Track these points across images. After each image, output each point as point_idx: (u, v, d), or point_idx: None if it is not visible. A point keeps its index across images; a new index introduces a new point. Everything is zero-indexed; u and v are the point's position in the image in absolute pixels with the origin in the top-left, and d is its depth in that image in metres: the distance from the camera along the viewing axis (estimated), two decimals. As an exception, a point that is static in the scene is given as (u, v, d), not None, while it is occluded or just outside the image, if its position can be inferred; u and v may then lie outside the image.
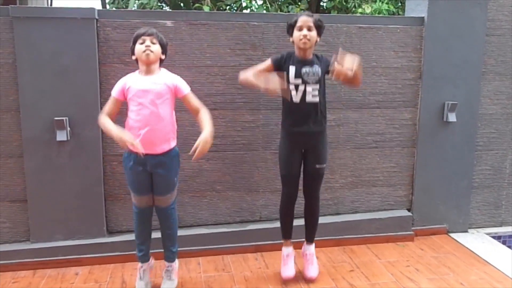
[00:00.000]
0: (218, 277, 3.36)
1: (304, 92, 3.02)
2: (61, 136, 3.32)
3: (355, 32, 3.72)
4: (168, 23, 3.45)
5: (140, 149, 2.74)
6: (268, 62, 3.09)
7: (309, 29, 2.97)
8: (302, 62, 3.04)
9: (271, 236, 3.74)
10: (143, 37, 2.83)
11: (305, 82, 3.02)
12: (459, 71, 3.88)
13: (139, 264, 3.15)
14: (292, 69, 3.02)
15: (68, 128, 3.33)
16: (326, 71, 3.07)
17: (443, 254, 3.77)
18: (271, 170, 3.75)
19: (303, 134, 3.11)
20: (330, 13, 7.27)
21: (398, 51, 3.81)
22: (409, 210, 4.06)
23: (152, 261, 3.24)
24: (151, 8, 7.22)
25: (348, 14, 6.79)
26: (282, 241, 3.39)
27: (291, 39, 3.07)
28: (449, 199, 4.07)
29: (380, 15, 6.33)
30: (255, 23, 3.57)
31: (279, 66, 3.06)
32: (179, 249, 3.25)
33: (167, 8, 8.90)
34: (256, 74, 3.01)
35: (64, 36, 3.27)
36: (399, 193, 4.04)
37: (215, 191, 3.73)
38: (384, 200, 4.03)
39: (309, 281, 3.29)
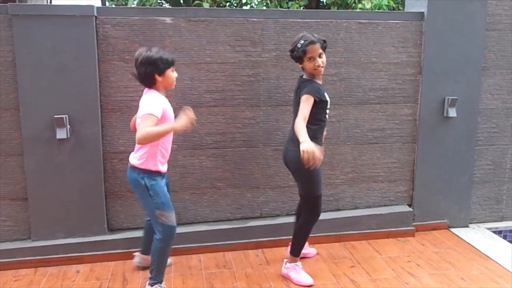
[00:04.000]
0: (219, 274, 3.36)
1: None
2: (61, 134, 3.32)
3: (355, 28, 3.71)
4: (168, 20, 3.44)
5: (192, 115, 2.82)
6: (311, 100, 2.92)
7: (320, 56, 2.98)
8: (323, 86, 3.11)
9: (272, 233, 3.74)
10: (173, 67, 2.87)
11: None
12: (459, 66, 3.87)
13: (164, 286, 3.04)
14: (326, 95, 3.06)
15: (68, 126, 3.33)
16: None
17: (444, 249, 3.77)
18: (271, 167, 3.75)
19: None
20: (330, 8, 7.25)
21: (398, 46, 3.81)
22: (410, 205, 4.06)
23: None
24: (150, 5, 7.20)
25: (348, 10, 6.77)
26: (292, 259, 3.29)
27: (300, 66, 3.07)
28: (450, 194, 4.07)
29: (380, 10, 6.32)
30: (255, 19, 3.56)
31: (320, 97, 2.98)
32: (179, 246, 3.28)
33: (166, 5, 8.88)
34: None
35: (63, 34, 3.26)
36: (400, 188, 4.04)
37: (215, 188, 3.73)
38: (384, 195, 4.02)
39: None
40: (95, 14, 3.31)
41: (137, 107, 3.47)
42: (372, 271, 3.41)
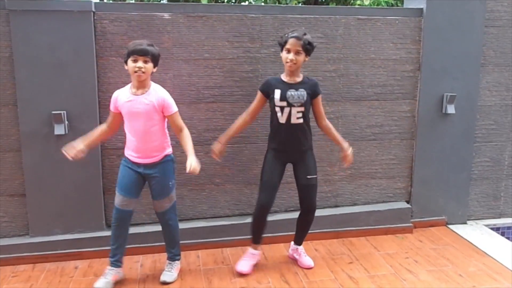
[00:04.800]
0: (217, 270, 3.36)
1: (289, 114, 3.09)
2: (59, 130, 3.31)
3: (354, 24, 3.70)
4: (166, 15, 3.43)
5: (68, 155, 2.96)
6: (258, 95, 3.18)
7: (297, 53, 3.00)
8: (288, 85, 3.10)
9: (270, 229, 3.72)
10: (136, 56, 2.86)
11: (290, 105, 3.08)
12: (458, 62, 3.87)
13: (108, 267, 3.14)
14: (277, 92, 3.09)
15: (66, 122, 3.32)
16: (312, 95, 3.13)
17: (442, 245, 3.77)
18: (270, 163, 3.75)
19: (288, 151, 3.21)
20: (328, 4, 7.24)
21: (397, 42, 3.80)
22: (408, 202, 4.07)
23: (121, 271, 3.21)
24: (148, 1, 7.17)
25: (347, 6, 6.76)
26: (251, 244, 3.40)
27: (281, 54, 3.11)
28: (448, 191, 4.07)
29: (379, 6, 6.31)
30: (253, 15, 3.55)
31: (267, 93, 3.14)
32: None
33: (165, 1, 8.85)
34: (247, 119, 3.28)
35: (61, 29, 3.25)
36: (398, 185, 4.04)
37: (214, 184, 3.73)
38: (383, 192, 4.03)
39: (308, 268, 3.35)
40: (93, 9, 3.30)
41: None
42: (370, 267, 3.41)
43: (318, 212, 3.78)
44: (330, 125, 3.30)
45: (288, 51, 3.01)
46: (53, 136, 3.33)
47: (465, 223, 4.17)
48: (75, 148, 2.95)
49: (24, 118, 3.31)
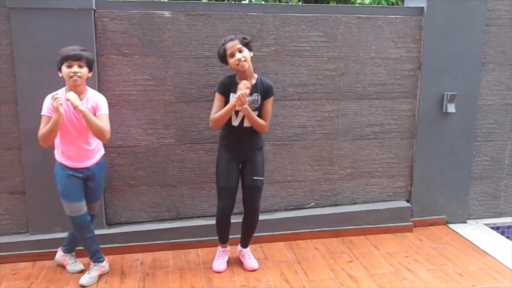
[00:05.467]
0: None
1: (243, 117, 3.09)
2: (60, 128, 3.31)
3: (354, 23, 3.70)
4: (166, 13, 3.42)
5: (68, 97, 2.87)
6: (218, 97, 3.12)
7: (240, 51, 2.99)
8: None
9: (270, 228, 3.75)
10: (70, 61, 2.85)
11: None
12: (459, 61, 3.87)
13: (92, 263, 3.24)
14: (232, 97, 3.06)
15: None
16: (264, 97, 3.12)
17: (442, 245, 3.77)
18: (270, 162, 3.75)
19: (239, 152, 3.20)
20: (329, 3, 7.24)
21: (398, 41, 3.80)
22: (408, 201, 4.07)
23: (106, 264, 3.28)
24: (149, -1, 7.16)
25: (347, 4, 6.75)
26: (219, 244, 3.44)
27: (228, 67, 3.09)
28: (448, 190, 4.07)
29: (379, 5, 6.30)
30: (254, 13, 3.55)
31: (225, 93, 3.11)
32: (177, 240, 3.41)
33: (165, -1, 8.84)
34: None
35: (62, 27, 3.25)
36: (398, 184, 4.04)
37: (213, 182, 3.70)
38: (383, 191, 4.03)
39: (252, 271, 3.33)
40: (94, 7, 3.30)
41: (135, 101, 3.49)
42: (370, 266, 3.41)
43: (318, 211, 3.82)
44: (265, 124, 3.17)
45: (232, 54, 2.99)
46: (53, 134, 3.32)
47: (465, 222, 4.17)
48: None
49: (24, 116, 3.30)
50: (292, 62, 3.65)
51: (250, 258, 3.40)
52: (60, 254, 3.36)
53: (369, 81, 3.81)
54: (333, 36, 3.68)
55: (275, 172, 3.79)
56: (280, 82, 3.66)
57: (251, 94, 3.03)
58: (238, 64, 2.97)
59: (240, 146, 3.16)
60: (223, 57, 3.03)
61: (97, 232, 3.49)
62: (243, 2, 6.71)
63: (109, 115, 3.41)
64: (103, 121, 2.97)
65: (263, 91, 3.09)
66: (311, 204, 3.92)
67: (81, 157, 3.01)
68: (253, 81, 3.08)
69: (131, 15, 3.38)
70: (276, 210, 3.86)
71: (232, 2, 4.27)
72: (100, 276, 3.21)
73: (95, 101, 2.98)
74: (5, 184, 3.42)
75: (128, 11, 3.38)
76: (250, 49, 3.05)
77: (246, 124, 3.09)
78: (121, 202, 3.61)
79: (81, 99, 2.92)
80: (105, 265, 3.25)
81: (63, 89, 2.97)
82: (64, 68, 2.85)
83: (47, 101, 2.92)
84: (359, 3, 6.55)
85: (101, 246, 3.47)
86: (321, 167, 3.87)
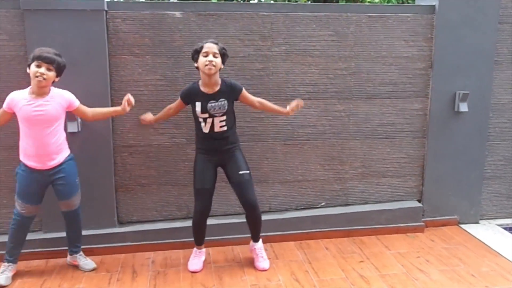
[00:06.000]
0: (228, 268, 3.38)
1: (212, 124, 3.12)
2: (72, 127, 3.35)
3: (365, 21, 3.69)
4: (177, 14, 3.44)
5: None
6: (178, 99, 3.22)
7: (215, 56, 3.01)
8: (208, 97, 3.10)
9: (281, 227, 3.75)
10: (40, 62, 2.88)
11: (212, 116, 3.10)
12: (471, 60, 3.83)
13: (6, 263, 3.22)
14: (198, 105, 3.10)
15: (79, 120, 3.35)
16: (234, 99, 3.16)
17: (454, 245, 3.74)
18: (280, 161, 3.76)
19: (215, 155, 3.21)
20: (339, 2, 7.20)
21: (409, 40, 3.77)
22: (419, 201, 4.04)
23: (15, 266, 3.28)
24: None
25: (358, 3, 6.72)
26: (195, 246, 3.44)
27: (195, 65, 3.10)
28: (460, 190, 4.04)
29: (390, 3, 6.26)
30: (264, 13, 3.55)
31: (187, 101, 3.18)
32: (189, 239, 3.36)
33: (176, -1, 8.87)
34: (166, 110, 3.31)
35: (74, 28, 3.29)
36: (410, 184, 4.02)
37: (224, 181, 3.71)
38: (394, 191, 4.01)
39: (262, 271, 3.33)
40: (106, 8, 3.33)
41: (147, 101, 3.52)
42: (381, 266, 3.40)
43: (329, 211, 3.81)
44: (262, 100, 3.30)
45: (206, 54, 3.00)
46: (66, 133, 3.35)
47: (478, 223, 4.13)
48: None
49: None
50: (303, 62, 3.65)
51: (262, 257, 3.40)
52: (68, 258, 3.40)
53: (380, 80, 3.80)
54: (344, 35, 3.67)
55: (285, 171, 3.80)
56: (291, 81, 3.66)
57: (216, 100, 3.08)
58: (206, 65, 2.99)
59: (215, 149, 3.18)
60: (197, 53, 3.05)
61: (108, 231, 3.56)
62: (253, 1, 6.71)
63: (121, 115, 3.47)
64: (84, 108, 3.14)
65: (228, 94, 3.13)
66: (322, 204, 3.91)
67: (43, 159, 3.02)
68: (217, 88, 3.11)
69: (142, 16, 3.41)
70: (286, 210, 3.86)
71: (242, 1, 4.26)
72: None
73: (66, 99, 3.04)
74: (19, 183, 3.47)
75: (139, 11, 3.41)
76: (223, 62, 3.09)
77: (217, 129, 3.13)
78: (132, 201, 3.64)
79: (43, 98, 2.95)
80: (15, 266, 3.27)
81: (28, 88, 3.00)
82: (33, 67, 2.89)
83: (9, 98, 2.99)
84: (369, 2, 6.51)
85: (112, 245, 3.53)
86: (331, 167, 3.86)
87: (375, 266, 3.41)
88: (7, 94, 3.15)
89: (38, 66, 2.87)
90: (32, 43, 3.25)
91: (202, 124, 3.13)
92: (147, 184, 3.65)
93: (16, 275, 3.23)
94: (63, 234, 3.47)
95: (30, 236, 3.47)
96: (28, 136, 2.99)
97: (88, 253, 3.48)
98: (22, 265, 3.38)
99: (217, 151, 3.19)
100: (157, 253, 3.57)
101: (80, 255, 3.35)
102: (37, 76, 2.87)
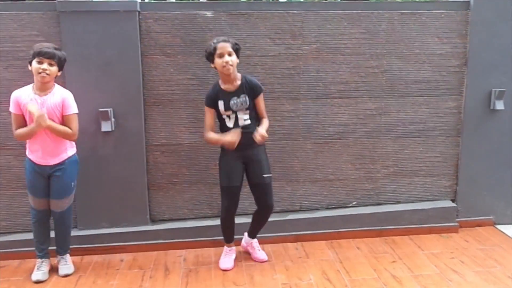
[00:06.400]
0: (259, 266, 3.38)
1: (236, 119, 3.12)
2: (106, 127, 3.41)
3: (397, 19, 3.64)
4: (208, 13, 3.47)
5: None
6: (207, 110, 3.18)
7: (230, 55, 3.01)
8: (229, 94, 3.10)
9: (311, 226, 3.73)
10: (41, 58, 2.90)
11: (235, 112, 3.11)
12: (507, 56, 3.73)
13: (39, 260, 3.27)
14: (221, 104, 3.11)
15: (113, 119, 3.41)
16: (253, 97, 3.14)
17: (489, 246, 3.66)
18: (311, 160, 3.74)
19: (240, 151, 3.16)
20: None
21: (443, 37, 3.70)
22: (453, 201, 3.96)
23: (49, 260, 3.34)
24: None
25: (390, 0, 6.62)
26: (225, 244, 3.46)
27: (212, 65, 3.10)
28: (496, 189, 3.94)
29: (423, 0, 6.15)
30: (295, 11, 3.54)
31: (214, 104, 3.15)
32: (219, 238, 3.40)
33: (206, -1, 8.93)
34: (213, 132, 3.20)
35: (108, 29, 3.35)
36: (443, 183, 3.94)
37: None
38: (427, 190, 3.94)
39: (262, 262, 3.40)
40: (138, 9, 3.38)
41: (179, 100, 3.55)
42: (414, 267, 3.35)
43: (360, 210, 3.78)
44: (265, 120, 3.22)
45: (221, 55, 3.00)
46: (100, 133, 3.43)
47: (514, 223, 4.03)
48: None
49: (73, 115, 3.42)
50: (334, 60, 3.63)
51: (259, 250, 3.47)
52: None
53: (413, 78, 3.74)
54: (376, 33, 3.63)
55: (316, 170, 3.78)
56: (322, 80, 3.64)
57: (238, 96, 3.08)
58: (224, 67, 3.00)
59: (240, 147, 3.14)
60: (211, 55, 3.05)
61: (141, 228, 3.61)
62: (283, 0, 6.69)
63: (153, 114, 3.50)
64: (72, 122, 3.05)
65: (248, 90, 3.12)
66: (353, 203, 3.88)
67: (46, 156, 3.07)
68: (238, 83, 3.11)
69: (174, 16, 3.44)
70: (317, 209, 3.84)
71: (272, 0, 4.25)
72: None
73: (62, 98, 3.03)
74: (55, 181, 3.55)
75: (171, 12, 3.44)
76: (238, 56, 3.08)
77: (241, 123, 3.12)
78: (164, 199, 3.69)
79: (46, 95, 2.98)
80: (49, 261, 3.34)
81: (31, 85, 3.04)
82: (35, 64, 2.92)
83: (12, 98, 3.01)
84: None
85: (145, 242, 3.58)
86: (363, 166, 3.83)
87: (407, 266, 3.36)
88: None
89: (40, 63, 2.91)
90: (68, 44, 3.33)
91: (227, 120, 3.15)
92: (178, 183, 3.69)
93: (52, 271, 3.31)
94: (97, 231, 3.57)
95: (65, 233, 3.58)
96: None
97: (122, 250, 3.55)
98: (58, 261, 3.47)
99: (242, 148, 3.15)
100: (189, 251, 3.61)
101: (62, 257, 3.32)
102: (40, 73, 2.91)
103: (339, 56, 3.63)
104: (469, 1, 3.67)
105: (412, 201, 3.94)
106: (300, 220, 3.72)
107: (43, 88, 2.99)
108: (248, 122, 3.16)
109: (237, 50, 3.08)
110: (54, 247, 3.33)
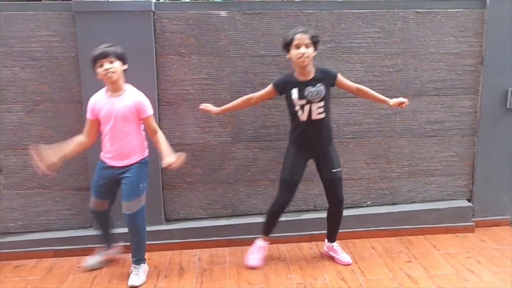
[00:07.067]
0: (273, 266, 3.38)
1: (310, 111, 3.07)
2: (121, 126, 3.42)
3: (413, 17, 3.61)
4: (223, 13, 3.47)
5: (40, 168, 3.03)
6: (269, 87, 3.17)
7: (307, 46, 2.97)
8: (304, 83, 3.06)
9: (325, 226, 3.71)
10: (100, 61, 2.92)
11: (310, 102, 3.05)
12: (524, 55, 3.70)
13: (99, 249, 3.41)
14: (295, 92, 3.06)
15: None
16: (330, 85, 3.11)
17: (506, 246, 3.62)
18: (325, 160, 3.73)
19: (310, 147, 3.17)
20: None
21: (458, 36, 3.67)
22: (469, 200, 3.93)
23: (114, 250, 3.44)
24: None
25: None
26: (260, 236, 3.42)
27: (287, 56, 3.08)
28: (513, 189, 3.91)
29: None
30: (309, 11, 3.53)
31: (281, 90, 3.14)
32: (234, 237, 3.46)
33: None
34: (252, 100, 3.24)
35: (123, 29, 3.36)
36: (459, 183, 3.91)
37: (269, 180, 3.74)
38: (442, 190, 3.91)
39: (347, 265, 3.34)
40: (153, 9, 3.39)
41: (193, 100, 3.56)
42: (430, 266, 3.32)
43: (375, 210, 3.76)
44: (361, 87, 3.21)
45: (298, 46, 2.97)
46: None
47: (531, 223, 3.99)
48: (47, 162, 3.01)
49: (89, 115, 3.44)
50: (348, 59, 3.61)
51: (342, 252, 3.42)
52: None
53: (428, 77, 3.71)
54: (391, 32, 3.61)
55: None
56: (336, 79, 3.63)
57: (313, 85, 3.04)
58: (299, 58, 2.97)
59: (311, 142, 3.14)
60: (288, 45, 3.02)
61: (156, 228, 3.62)
62: (295, -1, 6.68)
63: (168, 114, 3.52)
64: (150, 124, 3.09)
65: (325, 79, 3.09)
66: (368, 203, 3.86)
67: (120, 156, 3.09)
68: (312, 75, 3.08)
69: (188, 16, 3.45)
70: (331, 209, 3.83)
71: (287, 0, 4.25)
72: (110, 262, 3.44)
73: (139, 103, 3.03)
74: (71, 181, 3.58)
75: (185, 12, 3.45)
76: (315, 49, 3.04)
77: (315, 117, 3.08)
78: (179, 199, 3.70)
79: (118, 96, 3.00)
80: (112, 251, 3.45)
81: (103, 89, 3.07)
82: (98, 69, 2.94)
83: (90, 104, 3.07)
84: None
85: (160, 242, 3.59)
86: (378, 165, 3.81)
87: (423, 266, 3.34)
88: (60, 94, 3.26)
89: (101, 66, 2.93)
90: (83, 44, 3.35)
91: (299, 112, 3.09)
92: (192, 182, 3.69)
93: (69, 271, 3.35)
94: (113, 230, 3.57)
95: (81, 233, 3.62)
96: (106, 133, 3.07)
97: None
98: (74, 260, 3.49)
99: (313, 143, 3.15)
100: (203, 251, 3.61)
101: (134, 267, 3.23)
102: (106, 75, 2.93)
103: (354, 55, 3.61)
104: (485, 0, 3.64)
105: (428, 201, 3.91)
106: (315, 220, 3.71)
107: (115, 89, 3.01)
108: (322, 116, 3.11)
109: (315, 43, 3.04)
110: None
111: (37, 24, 3.35)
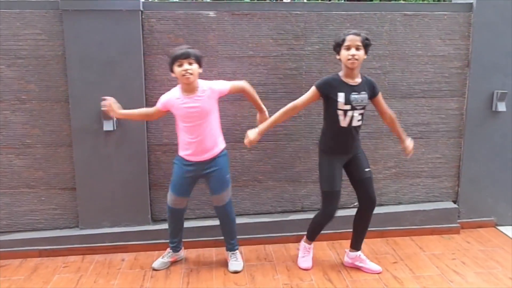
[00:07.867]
0: (260, 266, 3.38)
1: (352, 117, 3.03)
2: (108, 126, 3.41)
3: (400, 20, 3.64)
4: (211, 13, 3.47)
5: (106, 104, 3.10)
6: (313, 90, 3.05)
7: (357, 49, 2.93)
8: (351, 88, 3.01)
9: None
10: (180, 60, 2.93)
11: (353, 108, 3.01)
12: (510, 58, 3.74)
13: (169, 249, 3.42)
14: (341, 96, 2.99)
15: (114, 118, 3.41)
16: (371, 97, 3.10)
17: (490, 247, 3.66)
18: (312, 160, 3.73)
19: (343, 152, 3.15)
20: (373, 0, 7.12)
21: (445, 38, 3.70)
22: (455, 202, 3.96)
23: (182, 253, 3.46)
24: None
25: (392, 1, 6.63)
26: (306, 240, 3.43)
27: (337, 57, 3.04)
28: (498, 191, 3.94)
29: (426, 1, 6.16)
30: (298, 12, 3.54)
31: (326, 93, 3.03)
32: (220, 238, 3.39)
33: (208, -1, 8.91)
34: (291, 109, 3.12)
35: (111, 28, 3.35)
36: (445, 184, 3.94)
37: (257, 181, 3.75)
38: (429, 191, 3.94)
39: (378, 273, 3.29)
40: (141, 8, 3.38)
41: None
42: (416, 268, 3.35)
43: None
44: (394, 117, 3.21)
45: (348, 47, 2.92)
46: (102, 132, 3.43)
47: (515, 225, 4.03)
48: (113, 107, 3.08)
49: (75, 114, 3.42)
50: (336, 61, 3.57)
51: (370, 262, 3.35)
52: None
53: (415, 79, 3.74)
54: (378, 34, 3.63)
55: (317, 170, 3.76)
56: (324, 80, 3.64)
57: (359, 92, 3.01)
58: (349, 60, 2.93)
59: (347, 148, 3.12)
60: (338, 46, 2.99)
61: (142, 228, 3.62)
62: (285, 1, 6.69)
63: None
64: (238, 84, 3.17)
65: (369, 89, 3.07)
66: (354, 204, 3.86)
67: (201, 151, 3.10)
68: (359, 80, 3.04)
69: (177, 16, 3.44)
70: (318, 209, 3.81)
71: (275, 1, 4.24)
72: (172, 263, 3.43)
73: (215, 91, 3.06)
74: (57, 180, 3.55)
75: (174, 11, 3.44)
76: (366, 52, 2.99)
77: (354, 123, 3.04)
78: (166, 199, 3.65)
79: (195, 94, 3.01)
80: (179, 254, 3.46)
81: (178, 87, 3.08)
82: (176, 68, 2.96)
83: (164, 99, 3.11)
84: (404, 0, 6.41)
85: (146, 242, 3.58)
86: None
87: (409, 267, 3.36)
88: (46, 93, 3.23)
89: (180, 65, 2.94)
90: (70, 43, 3.33)
91: (341, 117, 3.02)
92: (180, 182, 3.68)
93: (54, 271, 3.32)
94: (99, 230, 3.57)
95: (67, 233, 3.59)
96: (186, 131, 3.07)
97: (123, 249, 3.55)
98: (59, 260, 3.47)
99: (348, 149, 3.13)
100: (190, 251, 3.60)
101: (232, 253, 3.37)
102: (184, 75, 2.93)
103: (342, 56, 3.63)
104: (472, 3, 3.67)
105: (414, 202, 3.94)
106: (302, 221, 3.71)
107: (190, 89, 3.02)
108: (360, 123, 3.09)
109: (366, 46, 2.99)
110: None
111: (23, 22, 3.33)
